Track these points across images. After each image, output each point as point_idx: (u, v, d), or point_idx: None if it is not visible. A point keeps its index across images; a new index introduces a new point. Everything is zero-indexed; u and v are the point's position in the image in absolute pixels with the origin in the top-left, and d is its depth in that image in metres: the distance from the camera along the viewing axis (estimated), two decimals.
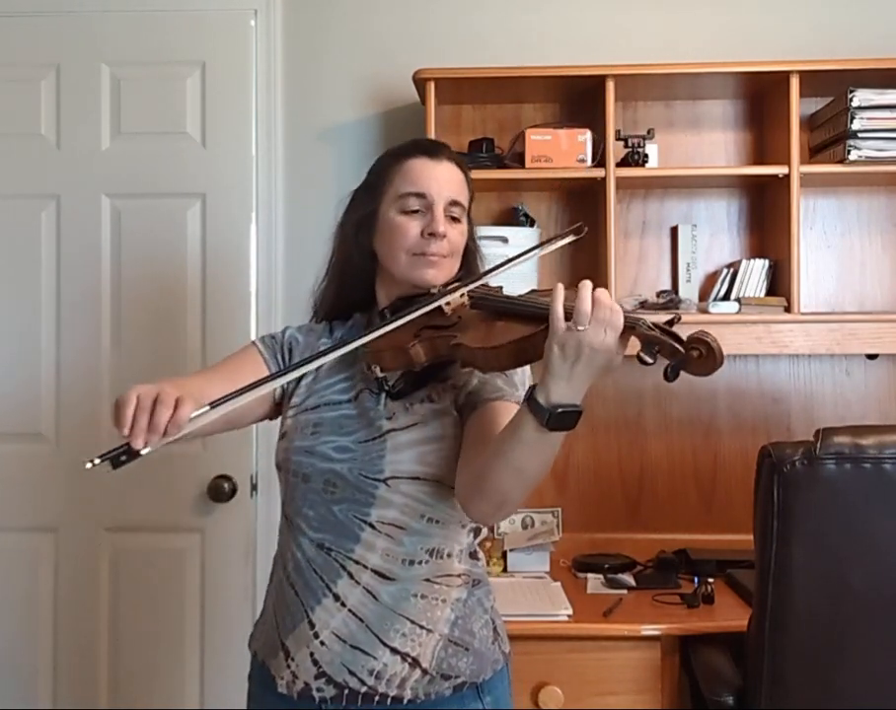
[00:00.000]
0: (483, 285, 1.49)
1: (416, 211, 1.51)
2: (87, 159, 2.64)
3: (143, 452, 1.20)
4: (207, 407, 1.26)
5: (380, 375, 1.45)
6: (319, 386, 1.55)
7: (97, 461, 1.18)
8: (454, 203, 1.53)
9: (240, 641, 2.59)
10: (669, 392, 2.67)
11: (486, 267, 1.60)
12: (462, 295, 1.44)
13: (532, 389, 1.24)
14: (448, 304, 1.43)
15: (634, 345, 1.21)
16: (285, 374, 1.40)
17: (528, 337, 1.29)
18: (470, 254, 1.60)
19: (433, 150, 1.56)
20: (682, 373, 1.17)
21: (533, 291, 1.50)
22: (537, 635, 2.08)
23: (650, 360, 1.17)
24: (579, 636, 2.12)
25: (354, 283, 1.60)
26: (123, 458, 1.20)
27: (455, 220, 1.54)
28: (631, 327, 1.19)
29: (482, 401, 1.46)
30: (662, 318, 1.24)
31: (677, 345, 1.17)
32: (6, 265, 2.64)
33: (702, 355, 1.15)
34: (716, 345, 1.15)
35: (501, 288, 1.52)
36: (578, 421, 1.22)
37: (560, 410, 1.20)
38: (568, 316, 1.20)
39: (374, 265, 1.58)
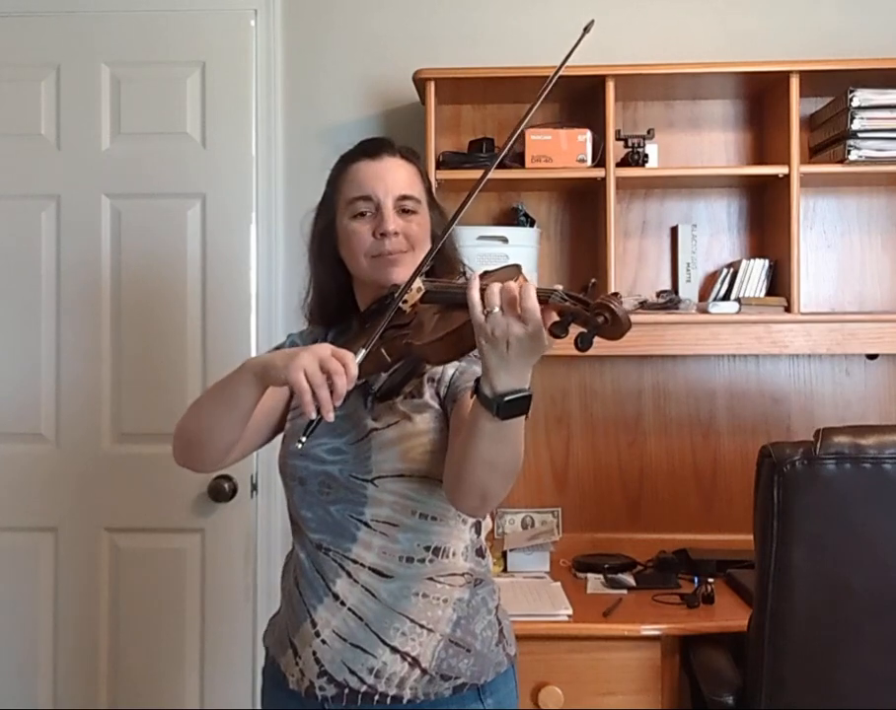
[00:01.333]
0: (448, 276, 1.48)
1: (367, 214, 1.52)
2: (87, 159, 2.64)
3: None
4: (363, 351, 1.30)
5: (358, 381, 1.45)
6: None
7: (303, 439, 1.27)
8: (404, 198, 1.53)
9: (240, 641, 2.61)
10: (669, 393, 2.67)
11: (460, 253, 1.60)
12: (419, 290, 1.43)
13: (477, 382, 1.23)
14: (405, 302, 1.41)
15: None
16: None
17: (462, 326, 1.27)
18: (439, 243, 1.57)
19: (373, 149, 1.56)
20: (595, 340, 1.14)
21: (486, 272, 1.43)
22: (537, 635, 2.08)
23: (561, 334, 1.14)
24: (579, 636, 2.12)
25: (332, 293, 1.60)
26: (317, 428, 1.28)
27: (409, 212, 1.53)
28: (544, 300, 1.17)
29: (460, 391, 1.45)
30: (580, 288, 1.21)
31: (586, 312, 1.14)
32: (6, 265, 2.64)
33: (607, 321, 1.12)
34: (620, 309, 1.12)
35: (465, 273, 1.51)
36: (530, 405, 1.21)
37: (507, 398, 1.19)
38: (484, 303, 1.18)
39: (347, 272, 1.58)
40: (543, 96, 1.38)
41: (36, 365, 2.63)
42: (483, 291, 1.19)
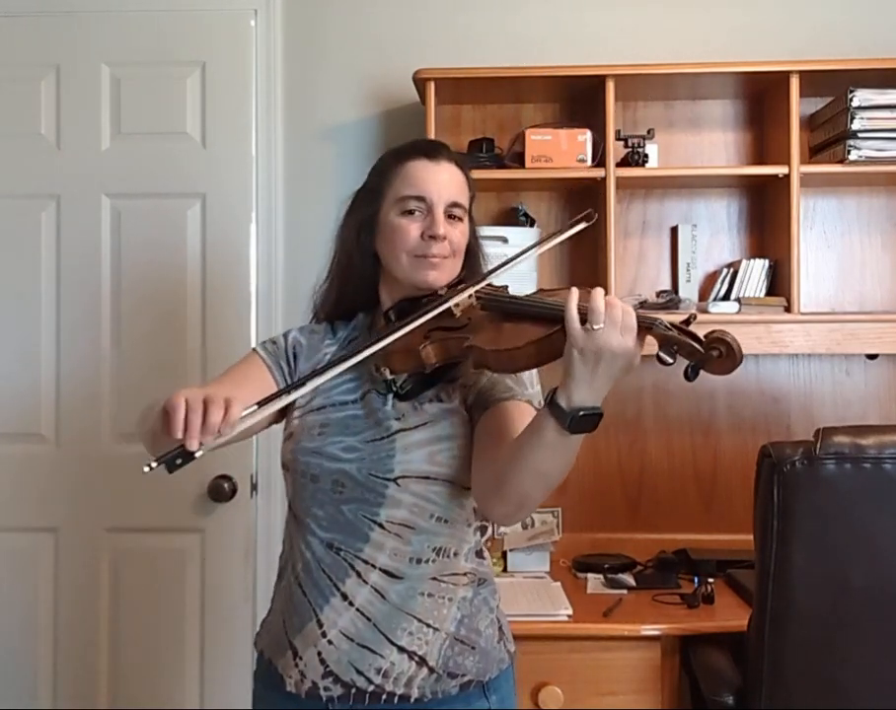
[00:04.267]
0: (489, 285, 1.50)
1: (417, 213, 1.52)
2: (87, 159, 2.64)
3: (198, 454, 1.19)
4: (255, 406, 1.26)
5: (389, 377, 1.45)
6: (325, 386, 1.55)
7: (153, 464, 1.18)
8: (454, 205, 1.53)
9: (240, 641, 2.61)
10: (669, 392, 2.67)
11: (489, 265, 1.61)
12: (470, 296, 1.44)
13: (553, 392, 1.25)
14: (457, 305, 1.43)
15: (652, 345, 1.20)
16: (316, 376, 1.36)
17: (543, 339, 1.29)
18: (472, 253, 1.60)
19: (433, 151, 1.56)
20: (702, 372, 1.17)
21: (541, 290, 1.49)
22: (537, 635, 2.08)
23: (670, 360, 1.17)
24: (579, 636, 2.12)
25: (356, 284, 1.60)
26: (179, 461, 1.18)
27: (456, 219, 1.54)
28: (647, 327, 1.20)
29: (493, 401, 1.47)
30: (678, 317, 1.24)
31: (696, 345, 1.16)
32: (6, 265, 2.64)
33: (721, 355, 1.15)
34: (736, 344, 1.15)
35: (507, 287, 1.52)
36: (599, 423, 1.24)
37: (581, 414, 1.22)
38: (583, 318, 1.20)
39: (376, 267, 1.58)
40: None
41: (36, 365, 2.63)
42: (581, 306, 1.21)
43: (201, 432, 1.18)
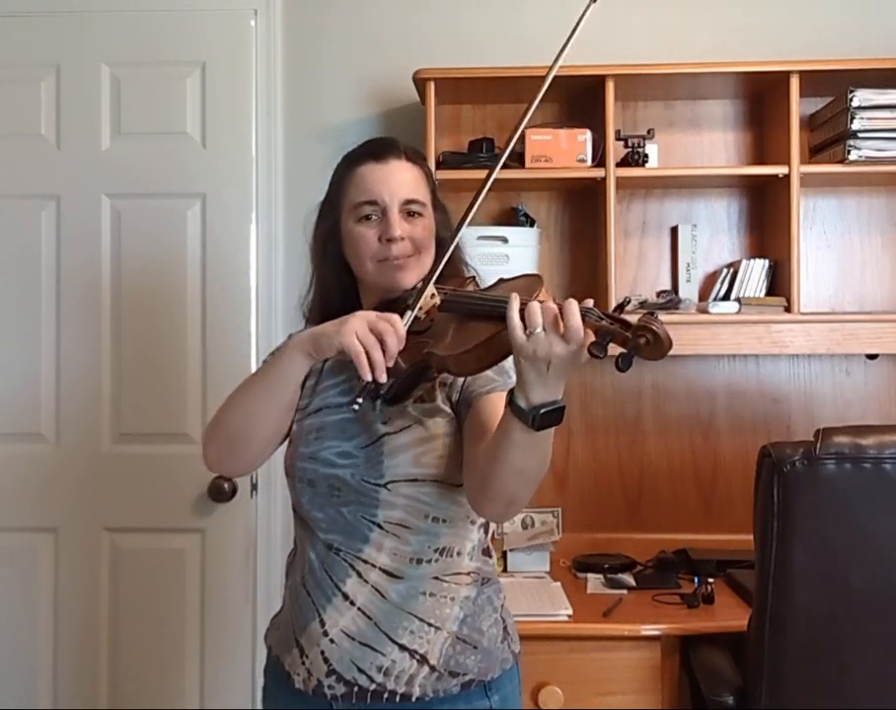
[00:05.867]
0: (455, 278, 1.49)
1: (373, 217, 1.51)
2: (87, 159, 2.64)
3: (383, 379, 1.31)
4: (410, 312, 1.36)
5: (369, 385, 1.44)
6: (321, 387, 1.56)
7: (360, 400, 1.32)
8: (410, 202, 1.52)
9: (240, 641, 2.61)
10: (668, 393, 2.67)
11: (465, 254, 1.61)
12: (433, 296, 1.43)
13: (511, 394, 1.24)
14: (421, 307, 1.42)
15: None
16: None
17: (490, 339, 1.27)
18: (443, 244, 1.56)
19: (379, 152, 1.55)
20: (634, 360, 1.13)
21: (500, 280, 1.46)
22: (537, 635, 2.07)
23: (601, 354, 1.14)
24: (579, 636, 2.12)
25: (335, 293, 1.60)
26: (372, 390, 1.33)
27: (416, 215, 1.53)
28: (581, 317, 1.17)
29: (475, 397, 1.46)
30: (612, 305, 1.21)
31: (626, 333, 1.13)
32: (6, 265, 2.64)
33: (649, 342, 1.12)
34: (662, 330, 1.12)
35: (473, 278, 1.52)
36: (563, 415, 1.22)
37: (543, 410, 1.20)
38: (525, 324, 1.18)
39: (351, 273, 1.58)
40: (549, 77, 1.40)
41: (36, 365, 2.63)
42: (521, 310, 1.18)
43: (385, 363, 1.31)
